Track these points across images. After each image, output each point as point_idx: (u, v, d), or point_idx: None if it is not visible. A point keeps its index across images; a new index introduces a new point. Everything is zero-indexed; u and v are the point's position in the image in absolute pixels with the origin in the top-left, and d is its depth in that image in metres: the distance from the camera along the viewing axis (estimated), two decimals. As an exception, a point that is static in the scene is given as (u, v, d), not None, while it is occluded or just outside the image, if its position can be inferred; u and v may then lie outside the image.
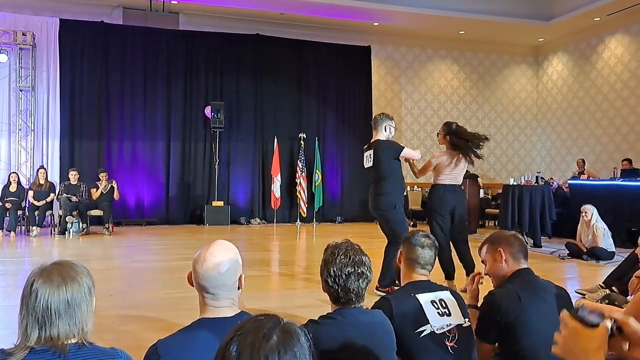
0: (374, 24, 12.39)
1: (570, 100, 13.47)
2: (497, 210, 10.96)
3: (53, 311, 1.40)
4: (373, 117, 5.03)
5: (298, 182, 11.72)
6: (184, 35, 11.53)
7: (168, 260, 6.80)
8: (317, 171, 11.93)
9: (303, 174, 11.72)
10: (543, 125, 14.48)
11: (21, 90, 10.58)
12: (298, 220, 11.74)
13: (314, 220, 11.92)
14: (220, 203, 11.24)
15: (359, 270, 1.88)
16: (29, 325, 1.40)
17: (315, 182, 11.90)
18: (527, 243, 2.54)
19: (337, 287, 1.87)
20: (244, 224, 11.45)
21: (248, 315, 1.10)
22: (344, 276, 1.86)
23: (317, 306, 4.30)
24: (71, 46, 10.77)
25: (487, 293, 2.27)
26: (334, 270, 1.87)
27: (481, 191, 11.42)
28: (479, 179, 12.45)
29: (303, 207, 11.73)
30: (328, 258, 1.92)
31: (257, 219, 11.76)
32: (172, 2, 11.02)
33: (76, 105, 10.83)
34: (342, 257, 1.89)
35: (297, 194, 11.75)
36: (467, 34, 13.07)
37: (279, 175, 11.53)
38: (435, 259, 2.37)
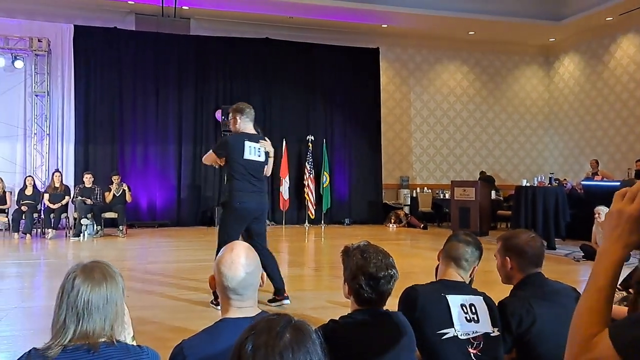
0: (382, 26, 12.41)
1: (582, 100, 13.37)
2: (509, 212, 10.91)
3: (93, 306, 1.47)
4: (243, 107, 4.45)
5: (306, 184, 11.78)
6: (195, 40, 11.65)
7: (180, 262, 6.87)
8: (325, 173, 11.97)
9: (311, 175, 11.77)
10: (555, 126, 14.38)
11: (37, 96, 10.76)
12: (306, 221, 11.78)
13: (322, 221, 11.96)
14: (231, 205, 11.30)
15: (391, 272, 1.88)
16: (68, 319, 1.45)
17: (323, 184, 11.95)
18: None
19: (370, 290, 1.86)
20: (253, 225, 11.50)
21: (263, 316, 1.16)
22: (378, 279, 1.85)
23: (327, 308, 4.34)
24: (85, 52, 10.95)
25: (497, 303, 2.21)
26: (368, 274, 1.85)
27: (493, 192, 11.37)
28: (494, 182, 12.43)
29: (311, 209, 11.78)
30: (359, 262, 1.88)
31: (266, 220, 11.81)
32: (184, 7, 11.15)
33: (90, 109, 10.99)
34: (375, 260, 1.87)
35: (305, 195, 11.80)
36: (477, 34, 13.04)
37: (287, 177, 11.60)
38: (479, 261, 2.29)
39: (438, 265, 2.37)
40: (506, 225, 11.82)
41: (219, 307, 4.38)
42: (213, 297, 4.39)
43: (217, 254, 4.37)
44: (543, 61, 14.58)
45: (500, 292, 2.41)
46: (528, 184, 9.39)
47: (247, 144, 4.29)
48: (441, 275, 2.26)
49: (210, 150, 4.44)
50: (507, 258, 2.30)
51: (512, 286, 2.35)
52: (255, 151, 4.33)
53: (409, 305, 2.05)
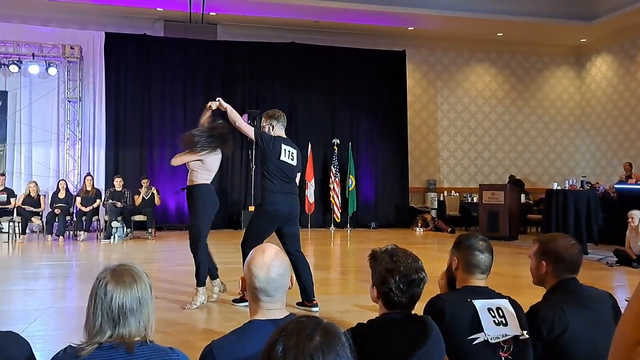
0: (409, 28, 12.35)
1: (615, 101, 13.03)
2: (540, 216, 10.71)
3: (127, 310, 1.49)
4: (278, 112, 4.53)
5: (331, 188, 11.77)
6: (222, 45, 11.80)
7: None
8: (351, 176, 11.95)
9: (337, 179, 11.77)
10: (587, 128, 14.05)
11: (69, 101, 11.05)
12: (332, 225, 11.77)
13: (348, 225, 11.93)
14: (257, 208, 11.41)
15: (421, 275, 1.88)
16: (104, 324, 1.48)
17: (348, 187, 11.92)
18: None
19: (400, 293, 1.85)
20: (279, 228, 11.57)
21: (292, 318, 1.16)
22: (407, 282, 1.85)
23: (354, 311, 4.32)
24: (116, 58, 11.20)
25: (529, 308, 2.18)
26: (398, 277, 1.85)
27: (522, 196, 11.17)
28: (524, 185, 12.21)
29: (337, 213, 11.77)
30: (389, 265, 1.88)
31: (291, 223, 11.86)
32: (211, 13, 11.32)
33: (120, 115, 11.23)
34: (404, 263, 1.87)
35: (331, 199, 11.80)
36: (505, 35, 12.85)
37: (313, 180, 11.62)
38: (492, 263, 2.27)
39: (450, 268, 2.32)
40: (536, 230, 11.60)
41: (238, 305, 4.45)
42: (239, 297, 4.44)
43: (244, 255, 4.43)
44: (574, 62, 14.27)
45: (530, 296, 2.37)
46: (559, 188, 9.19)
47: (284, 147, 4.39)
48: (462, 282, 2.24)
49: (251, 128, 4.43)
50: (543, 262, 2.25)
51: (544, 290, 2.31)
52: (290, 155, 4.41)
53: (436, 314, 2.03)
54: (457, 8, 11.36)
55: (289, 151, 4.41)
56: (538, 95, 14.15)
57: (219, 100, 4.50)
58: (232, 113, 4.48)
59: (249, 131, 4.41)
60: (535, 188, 13.16)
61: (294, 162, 4.45)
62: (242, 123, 4.48)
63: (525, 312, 2.17)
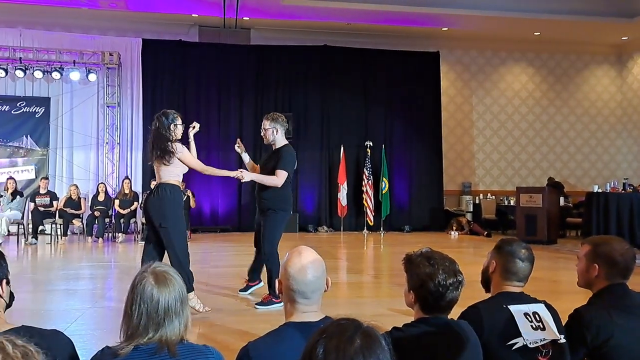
0: (443, 29, 12.19)
1: (659, 100, 12.56)
2: (580, 219, 10.41)
3: (172, 311, 1.52)
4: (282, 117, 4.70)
5: (364, 190, 11.71)
6: (255, 49, 11.94)
7: (242, 266, 6.98)
8: (384, 179, 11.86)
9: (369, 182, 11.70)
10: (629, 129, 13.58)
11: (108, 107, 11.38)
12: (365, 228, 11.72)
13: (381, 228, 11.85)
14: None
15: (459, 279, 1.86)
16: (149, 326, 1.50)
17: (382, 190, 11.84)
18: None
19: (439, 297, 1.83)
20: (311, 231, 11.61)
21: (331, 320, 1.16)
22: (446, 286, 1.83)
23: (388, 315, 4.28)
24: (152, 64, 11.48)
25: (573, 311, 2.13)
26: (438, 281, 1.83)
27: (561, 199, 10.86)
28: (564, 188, 11.89)
29: (370, 216, 11.70)
30: (427, 269, 1.85)
31: (324, 226, 11.89)
32: (245, 18, 11.47)
33: (157, 119, 11.47)
34: (442, 266, 1.85)
35: (364, 202, 11.74)
36: (543, 34, 12.54)
37: (345, 183, 11.60)
38: (530, 273, 2.21)
39: (487, 270, 2.26)
40: (576, 234, 11.27)
41: (259, 307, 4.50)
42: (273, 297, 4.50)
43: (270, 256, 4.53)
44: (615, 61, 13.82)
45: (570, 302, 2.31)
46: (600, 190, 8.93)
47: None
48: (498, 288, 2.20)
49: (283, 172, 4.48)
50: (595, 265, 2.17)
51: (584, 296, 2.25)
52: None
53: (472, 324, 2.00)
54: (493, 7, 11.14)
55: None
56: (577, 95, 13.76)
57: (241, 172, 4.49)
58: (257, 178, 4.56)
59: (282, 179, 4.49)
60: (575, 191, 12.79)
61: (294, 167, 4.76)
62: (269, 180, 4.53)
63: (568, 315, 2.12)
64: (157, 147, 4.16)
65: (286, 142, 4.65)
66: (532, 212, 9.78)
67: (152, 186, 4.56)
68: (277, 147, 4.65)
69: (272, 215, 4.56)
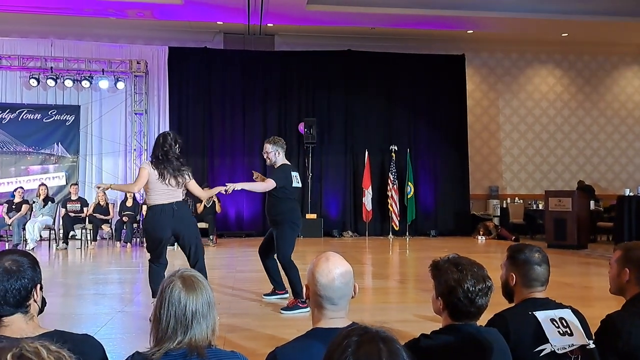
0: (468, 31, 12.08)
1: (694, 101, 12.18)
2: (611, 224, 10.15)
3: (200, 314, 1.54)
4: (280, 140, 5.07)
5: (389, 195, 11.65)
6: (279, 55, 12.03)
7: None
8: (410, 183, 11.78)
9: (394, 186, 11.64)
10: (662, 130, 13.21)
11: (135, 114, 11.60)
12: (390, 233, 11.65)
13: (407, 233, 11.76)
14: (314, 216, 11.47)
15: (489, 284, 1.84)
16: (178, 330, 1.52)
17: (407, 195, 11.75)
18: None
19: (468, 304, 1.81)
20: (336, 236, 11.60)
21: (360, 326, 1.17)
22: (476, 292, 1.81)
23: (413, 321, 4.24)
24: (178, 71, 11.67)
25: (604, 316, 2.09)
26: (467, 287, 1.81)
27: (592, 203, 10.61)
28: (594, 192, 11.62)
29: (395, 220, 11.63)
30: (455, 275, 1.83)
31: (349, 231, 11.86)
32: (269, 25, 11.57)
33: (183, 125, 11.65)
34: (471, 272, 1.83)
35: (389, 206, 11.67)
36: (570, 36, 12.30)
37: (370, 187, 11.55)
38: (549, 274, 2.20)
39: (507, 284, 2.21)
40: (607, 238, 11.00)
41: (284, 313, 4.56)
42: (299, 301, 4.54)
43: (286, 266, 4.69)
44: (646, 61, 13.48)
45: (601, 308, 2.25)
46: (631, 194, 8.70)
47: (293, 173, 5.02)
48: (521, 296, 2.17)
49: (272, 180, 4.85)
50: (627, 269, 2.14)
51: (616, 302, 2.20)
52: (297, 179, 5.07)
53: (500, 333, 1.97)
54: (519, 9, 10.98)
55: (295, 176, 5.04)
56: (607, 97, 13.45)
57: (227, 186, 4.83)
58: (247, 186, 5.11)
59: (271, 186, 4.86)
60: (606, 194, 12.48)
61: (299, 185, 5.12)
62: (259, 186, 5.12)
63: (600, 321, 2.09)
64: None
65: (285, 162, 5.03)
66: (561, 216, 9.57)
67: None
68: (276, 166, 5.02)
69: (280, 228, 4.91)
